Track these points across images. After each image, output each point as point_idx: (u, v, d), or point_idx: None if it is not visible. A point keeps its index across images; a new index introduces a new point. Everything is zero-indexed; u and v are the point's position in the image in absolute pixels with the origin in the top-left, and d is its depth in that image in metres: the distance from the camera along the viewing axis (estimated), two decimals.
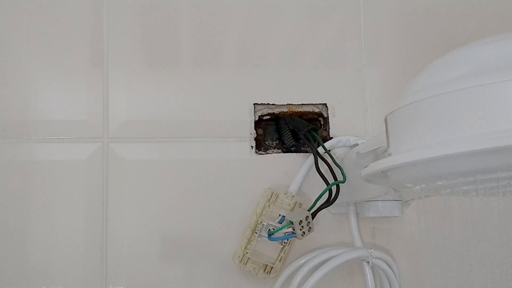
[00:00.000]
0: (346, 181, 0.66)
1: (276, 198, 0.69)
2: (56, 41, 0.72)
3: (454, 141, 0.36)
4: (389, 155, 0.42)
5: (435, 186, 0.41)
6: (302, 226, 0.65)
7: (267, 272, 0.69)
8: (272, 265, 0.69)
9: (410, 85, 0.42)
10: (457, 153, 0.35)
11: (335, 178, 0.66)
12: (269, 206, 0.69)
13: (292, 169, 0.73)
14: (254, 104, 0.74)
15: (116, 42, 0.72)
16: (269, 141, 0.75)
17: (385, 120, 0.43)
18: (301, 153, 0.74)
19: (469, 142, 0.35)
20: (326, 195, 0.66)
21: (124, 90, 0.72)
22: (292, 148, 0.74)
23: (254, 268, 0.69)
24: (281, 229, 0.66)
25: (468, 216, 0.73)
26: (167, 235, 0.71)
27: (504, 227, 0.74)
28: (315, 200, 0.66)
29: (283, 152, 0.74)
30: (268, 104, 0.74)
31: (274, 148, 0.74)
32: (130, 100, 0.72)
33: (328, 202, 0.66)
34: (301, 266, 0.69)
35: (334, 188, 0.66)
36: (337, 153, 0.72)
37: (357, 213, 0.72)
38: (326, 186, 0.65)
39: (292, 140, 0.74)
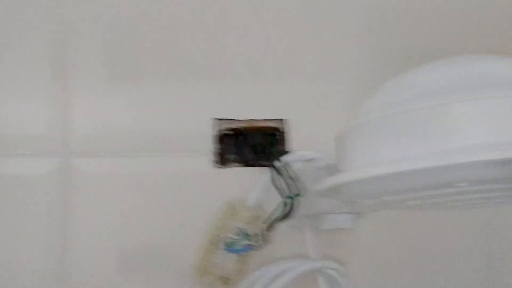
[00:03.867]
0: (303, 196, 0.68)
1: (235, 211, 0.71)
2: (15, 54, 0.72)
3: (398, 160, 0.38)
4: (340, 171, 0.44)
5: (383, 201, 0.43)
6: (259, 239, 0.67)
7: (224, 284, 0.71)
8: (229, 277, 0.70)
9: (361, 105, 0.44)
10: (400, 171, 0.37)
11: (291, 191, 0.68)
12: (227, 219, 0.70)
13: (251, 183, 0.74)
14: (214, 119, 0.75)
15: (77, 55, 0.73)
16: (229, 156, 0.76)
17: (336, 138, 0.45)
18: (261, 167, 0.75)
19: (412, 161, 0.37)
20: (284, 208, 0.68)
21: (85, 104, 0.73)
22: (252, 163, 0.76)
23: (212, 280, 0.70)
24: (238, 241, 0.67)
25: (422, 227, 0.76)
26: (127, 249, 0.71)
27: (458, 238, 0.77)
28: (271, 214, 0.68)
29: (243, 166, 0.75)
30: (228, 119, 0.75)
31: (234, 162, 0.76)
32: (90, 114, 0.73)
33: (285, 216, 0.68)
34: (258, 278, 0.70)
35: (290, 202, 0.68)
36: (295, 167, 0.74)
37: (312, 226, 0.74)
38: (283, 200, 0.67)
39: (252, 154, 0.75)
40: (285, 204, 0.68)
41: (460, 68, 0.40)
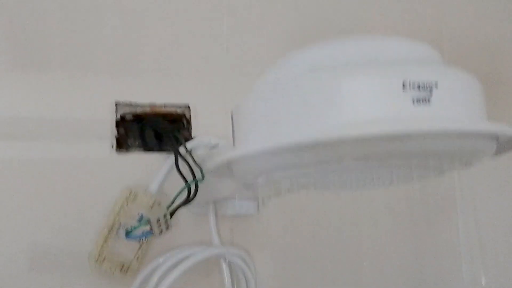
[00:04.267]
0: (205, 180, 0.67)
1: (135, 196, 0.69)
2: None
3: (287, 136, 0.38)
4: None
5: (274, 178, 0.43)
6: (160, 224, 0.66)
7: (124, 272, 0.69)
8: (129, 265, 0.69)
9: (255, 82, 0.43)
10: (287, 144, 0.37)
11: (194, 177, 0.67)
12: (127, 204, 0.68)
13: (154, 169, 0.73)
14: (116, 103, 0.73)
15: None
16: (132, 142, 0.74)
17: (231, 114, 0.45)
18: (164, 153, 0.74)
19: (298, 136, 0.37)
20: (185, 194, 0.67)
21: None
22: (154, 148, 0.74)
23: (110, 267, 0.68)
24: (138, 227, 0.66)
25: (324, 213, 0.77)
26: (24, 236, 0.68)
27: (362, 222, 0.79)
28: (173, 198, 0.67)
29: (145, 152, 0.74)
30: (130, 103, 0.73)
31: (136, 148, 0.74)
32: None
33: (187, 200, 0.67)
34: (159, 265, 0.69)
35: (193, 187, 0.67)
36: (199, 154, 0.73)
37: (216, 213, 0.73)
38: (185, 184, 0.66)
39: (154, 140, 0.74)
40: (187, 188, 0.66)
41: (349, 46, 0.41)
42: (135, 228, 0.66)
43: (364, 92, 0.37)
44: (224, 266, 0.71)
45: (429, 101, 0.37)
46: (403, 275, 0.81)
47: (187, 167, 0.68)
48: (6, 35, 0.71)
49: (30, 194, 0.69)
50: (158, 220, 0.65)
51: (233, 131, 0.45)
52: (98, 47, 0.74)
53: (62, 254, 0.69)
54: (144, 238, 0.69)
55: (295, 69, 0.40)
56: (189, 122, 0.75)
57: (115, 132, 0.73)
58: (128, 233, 0.66)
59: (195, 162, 0.69)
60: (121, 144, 0.73)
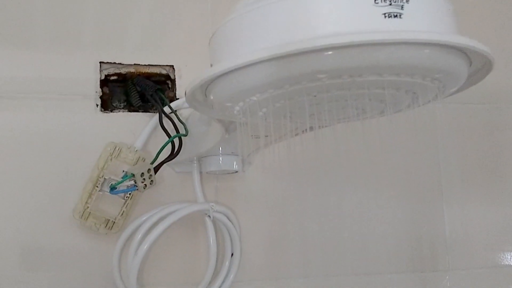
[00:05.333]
0: (189, 136, 0.67)
1: (119, 152, 0.69)
2: None
3: (259, 50, 0.39)
4: None
5: (251, 104, 0.43)
6: (144, 179, 0.66)
7: (108, 228, 0.69)
8: (114, 220, 0.69)
9: (232, 7, 0.44)
10: (260, 58, 0.38)
11: (178, 132, 0.68)
12: (111, 160, 0.69)
13: (138, 129, 0.73)
14: (100, 62, 0.73)
15: None
16: (117, 103, 0.75)
17: (209, 44, 0.45)
18: (148, 113, 0.74)
19: (271, 49, 0.38)
20: (170, 150, 0.67)
21: None
22: (140, 109, 0.75)
23: (95, 223, 0.68)
24: (122, 182, 0.66)
25: (307, 172, 0.77)
26: (9, 193, 0.68)
27: (340, 183, 0.79)
28: (157, 153, 0.67)
29: (130, 111, 0.74)
30: (114, 63, 0.74)
31: (120, 108, 0.74)
32: None
33: (171, 155, 0.67)
34: (144, 221, 0.69)
35: (177, 143, 0.67)
36: (183, 113, 0.73)
37: (200, 172, 0.74)
38: (169, 139, 0.67)
39: (139, 101, 0.74)
40: (171, 144, 0.67)
41: None
42: (119, 183, 0.66)
43: (336, 6, 0.38)
44: (209, 222, 0.71)
45: (400, 15, 0.38)
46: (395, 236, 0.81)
47: (171, 124, 0.69)
48: None
49: (16, 151, 0.69)
50: (142, 175, 0.65)
51: (210, 59, 0.45)
52: (85, 12, 0.74)
53: (47, 211, 0.69)
54: (128, 193, 0.69)
55: None
56: (173, 82, 0.76)
57: (99, 92, 0.73)
58: (112, 188, 0.66)
59: (179, 119, 0.69)
60: (106, 103, 0.74)
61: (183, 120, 0.69)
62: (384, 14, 0.38)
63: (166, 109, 0.70)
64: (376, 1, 0.38)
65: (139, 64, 0.75)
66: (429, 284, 0.82)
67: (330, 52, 0.37)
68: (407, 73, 0.40)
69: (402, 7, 0.38)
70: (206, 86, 0.44)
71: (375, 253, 0.81)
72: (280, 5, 0.39)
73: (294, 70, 0.38)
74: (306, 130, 0.55)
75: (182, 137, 0.67)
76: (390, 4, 0.38)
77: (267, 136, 0.59)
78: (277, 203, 0.77)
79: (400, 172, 0.83)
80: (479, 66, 0.43)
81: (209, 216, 0.71)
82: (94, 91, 0.73)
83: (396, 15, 0.38)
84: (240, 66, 0.39)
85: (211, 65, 0.45)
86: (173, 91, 0.76)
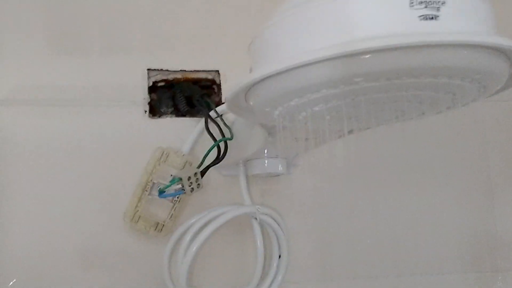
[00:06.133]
0: (235, 140, 0.69)
1: (167, 157, 0.71)
2: None
3: (296, 56, 0.39)
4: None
5: (290, 108, 0.44)
6: (191, 183, 0.68)
7: (158, 230, 0.71)
8: (163, 223, 0.71)
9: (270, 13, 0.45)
10: (297, 64, 0.38)
11: (223, 136, 0.69)
12: (159, 164, 0.70)
13: (186, 133, 0.75)
14: (148, 69, 0.75)
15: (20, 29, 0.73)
16: (164, 108, 0.77)
17: (249, 48, 0.46)
18: (195, 118, 0.76)
19: (308, 54, 0.38)
20: (216, 154, 0.69)
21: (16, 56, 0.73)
22: (186, 114, 0.76)
23: (145, 226, 0.70)
24: (170, 185, 0.67)
25: (353, 174, 0.78)
26: (63, 198, 0.71)
27: (389, 185, 0.79)
28: (203, 157, 0.68)
29: (177, 117, 0.76)
30: (162, 70, 0.76)
31: (168, 113, 0.76)
32: (22, 65, 0.73)
33: (217, 159, 0.69)
34: (192, 224, 0.71)
35: (222, 146, 0.68)
36: (229, 118, 0.74)
37: (246, 175, 0.75)
38: (215, 143, 0.68)
39: (186, 106, 0.76)
40: (217, 147, 0.68)
41: None
42: (167, 187, 0.68)
43: (372, 10, 0.38)
44: (255, 224, 0.72)
45: (436, 18, 0.38)
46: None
47: (217, 129, 0.70)
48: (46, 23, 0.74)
49: (70, 157, 0.72)
50: (189, 179, 0.67)
51: (250, 68, 0.46)
52: (133, 20, 0.77)
53: (100, 215, 0.71)
54: (176, 197, 0.71)
55: None
56: (219, 87, 0.77)
57: (147, 98, 0.75)
58: (161, 192, 0.68)
59: (225, 124, 0.70)
60: (154, 109, 0.76)
61: (229, 124, 0.70)
62: (420, 16, 0.38)
63: (212, 113, 0.72)
64: (412, 4, 0.38)
65: (185, 70, 0.76)
66: (481, 285, 0.81)
67: (367, 56, 0.37)
68: (445, 75, 0.39)
69: (438, 9, 0.38)
70: (246, 92, 0.45)
71: (425, 253, 0.80)
72: (317, 9, 0.40)
73: (333, 74, 0.39)
74: (347, 132, 0.55)
75: (227, 141, 0.69)
76: (426, 7, 0.38)
77: (308, 139, 0.60)
78: (323, 204, 0.77)
79: (449, 173, 0.82)
80: None
81: (255, 218, 0.72)
82: (142, 97, 0.75)
83: (432, 17, 0.38)
84: (278, 72, 0.40)
85: (250, 70, 0.45)
86: (218, 95, 0.77)
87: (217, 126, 0.70)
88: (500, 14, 0.42)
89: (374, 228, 0.78)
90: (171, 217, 0.71)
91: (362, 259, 0.77)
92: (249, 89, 0.44)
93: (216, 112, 0.73)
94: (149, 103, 0.75)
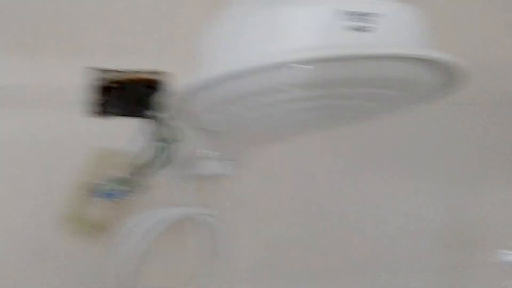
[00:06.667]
0: (180, 142, 0.68)
1: (110, 157, 0.70)
2: None
3: (232, 64, 0.39)
4: None
5: (228, 112, 0.44)
6: (135, 184, 0.67)
7: (99, 231, 0.70)
8: (104, 225, 0.70)
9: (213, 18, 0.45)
10: (229, 73, 0.38)
11: (171, 139, 0.68)
12: (102, 165, 0.69)
13: (130, 134, 0.74)
14: (95, 68, 0.74)
15: None
16: (110, 108, 0.76)
17: (192, 52, 0.46)
18: (141, 119, 0.75)
19: (237, 63, 0.38)
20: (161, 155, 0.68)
21: None
22: (134, 114, 0.75)
23: (85, 227, 0.69)
24: (113, 187, 0.67)
25: (299, 175, 0.78)
26: (1, 198, 0.69)
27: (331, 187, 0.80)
28: (148, 158, 0.68)
29: (122, 117, 0.75)
30: (108, 69, 0.75)
31: (116, 115, 0.75)
32: None
33: (163, 162, 0.68)
34: (134, 225, 0.70)
35: (168, 148, 0.68)
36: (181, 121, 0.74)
37: (189, 175, 0.74)
38: (161, 145, 0.68)
39: (133, 106, 0.75)
40: (162, 149, 0.68)
41: None
42: (109, 188, 0.67)
43: (308, 22, 0.38)
44: (197, 225, 0.72)
45: (371, 30, 0.38)
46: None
47: (163, 130, 0.69)
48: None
49: (9, 157, 0.70)
50: (131, 180, 0.66)
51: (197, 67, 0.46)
52: (81, 19, 0.75)
53: (39, 216, 0.70)
54: (119, 198, 0.70)
55: (245, 5, 0.41)
56: (167, 88, 0.76)
57: (92, 98, 0.74)
58: (102, 193, 0.67)
59: (171, 125, 0.70)
60: (101, 110, 0.74)
61: (175, 126, 0.70)
62: (356, 28, 0.38)
63: (159, 115, 0.71)
64: (348, 16, 0.38)
65: (135, 71, 0.75)
66: (454, 280, 0.82)
67: (301, 66, 0.38)
68: (379, 86, 0.40)
69: (373, 22, 0.39)
70: (187, 96, 0.45)
71: (381, 251, 0.81)
72: (255, 20, 0.40)
73: (266, 82, 0.39)
74: (290, 135, 0.56)
75: (173, 142, 0.68)
76: (361, 19, 0.38)
77: (249, 141, 0.60)
78: (265, 204, 0.78)
79: (419, 168, 0.84)
80: (453, 75, 0.44)
81: (197, 219, 0.72)
82: (87, 97, 0.74)
83: (368, 29, 0.38)
84: (213, 80, 0.40)
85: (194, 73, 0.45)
86: (167, 97, 0.76)
87: (163, 127, 0.70)
88: (433, 27, 0.43)
89: (316, 227, 0.79)
90: (112, 218, 0.70)
91: (304, 258, 0.78)
92: (189, 94, 0.44)
93: (163, 113, 0.72)
94: (94, 103, 0.74)
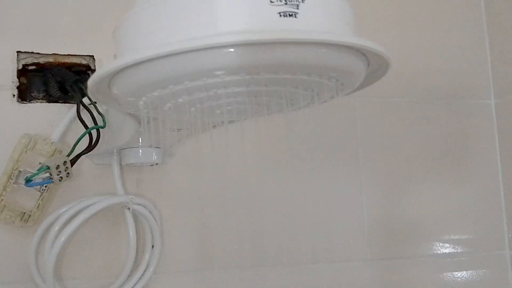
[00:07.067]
0: (108, 128, 0.67)
1: (35, 144, 0.68)
2: None
3: (158, 46, 0.39)
4: None
5: (154, 99, 0.43)
6: (60, 171, 0.65)
7: (24, 220, 0.68)
8: (30, 213, 0.68)
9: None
10: (158, 54, 0.38)
11: (96, 124, 0.67)
12: (26, 152, 0.67)
13: (57, 120, 0.72)
14: (17, 51, 0.72)
15: None
16: (35, 93, 0.73)
17: (113, 36, 0.45)
18: (68, 104, 0.73)
19: (169, 45, 0.38)
20: (87, 142, 0.67)
21: None
22: (59, 100, 0.73)
23: (10, 216, 0.67)
24: (37, 174, 0.65)
25: (229, 165, 0.78)
26: None
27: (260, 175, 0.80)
28: (74, 145, 0.66)
29: (48, 102, 0.73)
30: (32, 52, 0.72)
31: (39, 99, 0.73)
32: None
33: (89, 147, 0.67)
34: (61, 214, 0.69)
35: (95, 135, 0.67)
36: (103, 105, 0.72)
37: (120, 164, 0.73)
38: (87, 131, 0.66)
39: (58, 91, 0.73)
40: (89, 136, 0.66)
41: None
42: (34, 175, 0.65)
43: (232, 4, 0.38)
44: (128, 214, 0.71)
45: (296, 15, 0.39)
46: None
47: (89, 116, 0.68)
48: None
49: None
50: (57, 167, 0.65)
51: (116, 52, 0.45)
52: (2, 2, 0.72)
53: None
54: (44, 186, 0.68)
55: None
56: (93, 73, 0.74)
57: (16, 82, 0.71)
58: (27, 181, 0.65)
59: (98, 111, 0.68)
60: (23, 94, 0.72)
61: (102, 112, 0.68)
62: (280, 13, 0.38)
63: (86, 100, 0.69)
64: (272, 1, 0.38)
65: (58, 54, 0.73)
66: (387, 271, 0.84)
67: (226, 50, 0.38)
68: (303, 72, 0.40)
69: (297, 7, 0.39)
70: (109, 80, 0.44)
71: (305, 243, 0.82)
72: (181, 1, 0.39)
73: (193, 66, 0.39)
74: (222, 123, 0.55)
75: (100, 129, 0.67)
76: (286, 4, 0.39)
77: (180, 129, 0.60)
78: (198, 194, 0.77)
79: (357, 162, 0.85)
80: (377, 65, 0.45)
81: (128, 208, 0.71)
82: (11, 81, 0.71)
83: (292, 14, 0.39)
84: (140, 61, 0.39)
85: (115, 58, 0.44)
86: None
87: (89, 113, 0.68)
88: (358, 14, 0.43)
89: (248, 218, 0.79)
90: (38, 206, 0.68)
91: (235, 249, 0.78)
92: (112, 77, 0.43)
93: (89, 98, 0.70)
94: (18, 87, 0.72)
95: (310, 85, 0.43)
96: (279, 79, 0.41)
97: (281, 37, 0.37)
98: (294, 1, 0.39)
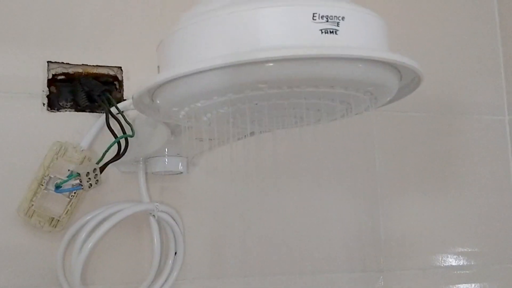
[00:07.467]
0: (135, 137, 0.69)
1: (65, 151, 0.70)
2: None
3: (206, 60, 0.41)
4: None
5: (196, 109, 0.45)
6: (90, 178, 0.67)
7: (53, 226, 0.70)
8: (58, 219, 0.70)
9: (180, 16, 0.46)
10: (206, 67, 0.40)
11: (124, 133, 0.69)
12: (57, 159, 0.69)
13: (85, 128, 0.74)
14: (48, 61, 0.74)
15: None
16: (63, 102, 0.75)
17: (157, 50, 0.47)
18: (95, 114, 0.75)
19: (217, 59, 0.40)
20: (116, 151, 0.69)
21: None
22: (87, 109, 0.75)
23: (39, 221, 0.69)
24: (68, 180, 0.67)
25: (248, 176, 0.80)
26: None
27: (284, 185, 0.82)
28: (104, 153, 0.68)
29: (77, 111, 0.75)
30: (62, 63, 0.74)
31: (67, 108, 0.75)
32: None
33: (117, 156, 0.69)
34: (88, 220, 0.70)
35: (123, 143, 0.68)
36: (130, 115, 0.74)
37: (146, 172, 0.75)
38: (115, 139, 0.68)
39: (86, 101, 0.75)
40: (118, 144, 0.68)
41: None
42: (64, 182, 0.67)
43: (277, 21, 0.40)
44: (153, 221, 0.73)
45: (336, 32, 0.41)
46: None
47: (118, 125, 0.70)
48: None
49: None
50: (87, 174, 0.67)
51: (158, 67, 0.47)
52: (33, 10, 0.75)
53: None
54: (73, 192, 0.70)
55: (215, 3, 0.43)
56: (121, 83, 0.77)
57: (46, 91, 0.73)
58: (57, 187, 0.67)
59: (126, 120, 0.70)
60: (53, 103, 0.74)
61: (130, 121, 0.71)
62: (321, 30, 0.40)
63: (113, 110, 0.72)
64: (314, 18, 0.40)
65: (87, 65, 0.76)
66: (366, 284, 0.86)
67: (270, 64, 0.40)
68: (341, 86, 0.42)
69: (338, 24, 0.41)
70: (154, 91, 0.46)
71: (316, 253, 0.84)
72: (226, 17, 0.41)
73: (238, 79, 0.41)
74: (248, 134, 0.57)
75: (128, 137, 0.69)
76: (327, 21, 0.41)
77: (211, 139, 0.62)
78: (221, 203, 0.79)
79: (339, 176, 0.87)
80: (409, 79, 0.47)
81: (153, 215, 0.73)
82: (41, 90, 0.73)
83: (332, 31, 0.41)
84: (187, 74, 0.41)
85: (158, 68, 0.46)
86: (120, 92, 0.77)
87: (118, 122, 0.70)
88: (393, 31, 0.46)
89: (267, 228, 0.81)
90: (66, 212, 0.70)
91: (255, 258, 0.80)
92: (156, 89, 0.45)
93: (117, 108, 0.72)
94: (48, 96, 0.74)
95: (347, 98, 0.45)
96: (318, 93, 0.43)
97: (325, 52, 0.39)
98: (335, 18, 0.41)
